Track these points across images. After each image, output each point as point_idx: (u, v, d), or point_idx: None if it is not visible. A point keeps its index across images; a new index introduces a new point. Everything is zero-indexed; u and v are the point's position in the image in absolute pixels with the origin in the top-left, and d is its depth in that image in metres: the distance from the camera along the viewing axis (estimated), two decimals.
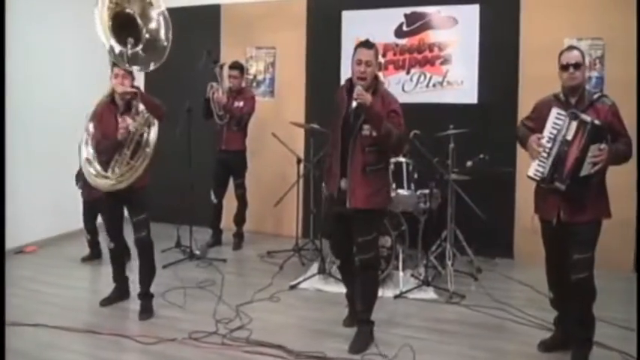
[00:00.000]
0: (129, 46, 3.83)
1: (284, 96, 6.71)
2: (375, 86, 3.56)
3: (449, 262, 4.79)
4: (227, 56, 6.56)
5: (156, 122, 4.07)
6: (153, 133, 4.03)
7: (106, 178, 4.00)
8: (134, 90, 3.93)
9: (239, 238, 6.25)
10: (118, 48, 3.78)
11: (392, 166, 4.70)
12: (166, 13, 4.04)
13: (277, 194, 5.82)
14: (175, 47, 6.86)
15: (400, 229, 4.93)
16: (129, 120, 3.94)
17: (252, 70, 6.84)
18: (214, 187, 6.14)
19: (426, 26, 6.00)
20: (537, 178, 3.29)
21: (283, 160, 6.11)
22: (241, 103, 5.96)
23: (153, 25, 3.96)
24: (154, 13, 3.97)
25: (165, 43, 3.98)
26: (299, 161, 5.63)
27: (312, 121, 5.78)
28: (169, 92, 6.19)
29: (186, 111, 5.60)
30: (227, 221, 6.35)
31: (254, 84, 6.83)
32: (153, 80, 7.38)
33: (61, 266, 5.48)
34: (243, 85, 6.23)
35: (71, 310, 4.27)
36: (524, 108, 4.65)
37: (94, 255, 5.62)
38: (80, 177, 5.08)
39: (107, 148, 4.01)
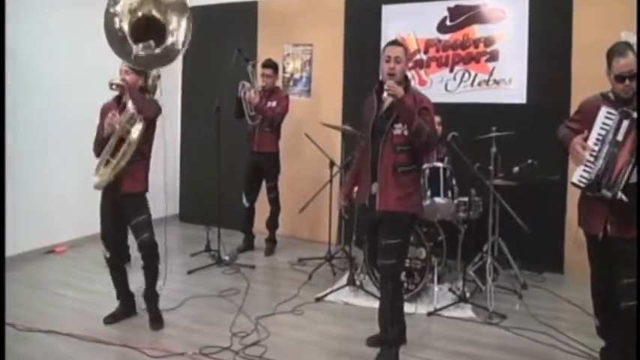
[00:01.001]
0: (140, 46, 3.72)
1: (321, 95, 6.43)
2: (405, 85, 3.37)
3: (489, 278, 4.37)
4: (264, 54, 6.38)
5: (141, 122, 3.80)
6: (135, 133, 3.76)
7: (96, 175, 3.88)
8: (121, 82, 3.72)
9: (271, 244, 6.00)
10: (131, 45, 3.70)
11: (427, 172, 4.36)
12: (190, 20, 3.88)
13: (316, 197, 5.49)
14: (211, 45, 6.83)
15: (437, 239, 4.56)
16: (117, 116, 3.76)
17: (289, 69, 6.57)
18: (246, 190, 5.93)
19: (471, 20, 5.57)
20: (582, 185, 2.89)
21: (320, 162, 5.80)
22: (274, 103, 5.72)
23: (176, 34, 3.83)
24: (182, 21, 3.84)
25: (180, 48, 3.82)
26: (332, 164, 5.33)
27: (350, 121, 5.46)
28: (204, 91, 6.02)
29: (215, 111, 5.37)
30: (262, 225, 6.11)
31: (290, 82, 6.56)
32: (189, 79, 7.32)
33: (88, 269, 5.35)
34: (277, 84, 5.97)
35: (87, 317, 4.10)
36: None
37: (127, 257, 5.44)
38: None
39: (99, 143, 3.89)
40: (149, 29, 3.74)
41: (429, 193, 4.31)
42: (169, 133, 7.22)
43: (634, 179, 2.71)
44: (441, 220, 4.59)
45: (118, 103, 3.88)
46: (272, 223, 5.98)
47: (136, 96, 3.78)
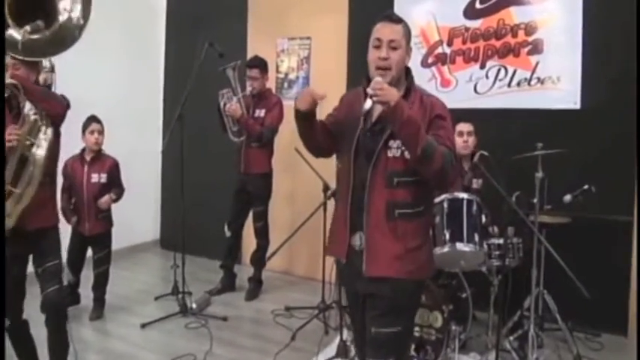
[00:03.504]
0: (28, 28, 2.64)
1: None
2: (407, 84, 2.23)
3: (531, 353, 3.14)
4: (254, 50, 5.29)
5: (49, 130, 2.79)
6: (41, 147, 2.77)
7: None
8: (12, 81, 2.68)
9: (255, 285, 4.84)
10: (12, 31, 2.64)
11: (445, 206, 3.15)
12: None
13: (314, 225, 4.26)
14: (194, 42, 5.74)
15: (460, 296, 3.36)
16: (15, 129, 2.70)
17: (283, 67, 5.43)
18: (229, 217, 4.85)
19: (508, 1, 4.34)
20: None
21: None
22: (262, 112, 4.61)
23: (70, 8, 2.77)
24: None
25: (79, 24, 2.73)
26: (326, 189, 4.15)
27: None
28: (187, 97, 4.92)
29: (177, 119, 4.26)
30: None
31: (285, 84, 5.42)
32: (170, 84, 6.28)
33: (28, 315, 4.28)
34: (268, 86, 4.84)
35: None
36: None
37: (71, 300, 4.37)
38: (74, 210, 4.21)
39: None
40: (34, 6, 2.71)
41: (447, 235, 3.10)
42: (150, 146, 6.20)
43: None
44: (467, 272, 3.39)
45: (9, 107, 2.83)
46: (257, 260, 4.83)
47: (35, 90, 2.78)
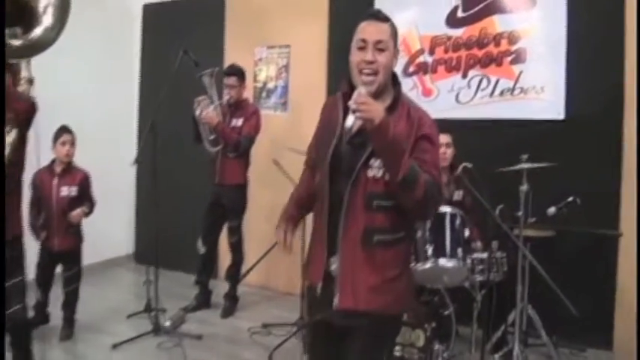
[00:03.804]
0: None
1: (300, 109, 5.13)
2: (392, 93, 2.01)
3: None
4: (232, 58, 5.16)
5: (13, 132, 2.65)
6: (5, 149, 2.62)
7: None
8: None
9: (231, 302, 4.67)
10: None
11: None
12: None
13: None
14: (170, 50, 5.60)
15: (442, 313, 3.24)
16: None
17: (262, 77, 5.30)
18: (203, 231, 4.68)
19: (491, 9, 4.25)
20: None
21: None
22: (240, 121, 4.47)
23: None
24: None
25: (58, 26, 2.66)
26: None
27: None
28: (162, 106, 4.75)
29: (149, 128, 4.11)
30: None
31: (263, 94, 5.28)
32: (146, 93, 6.12)
33: None
34: (245, 95, 4.71)
35: None
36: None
37: (40, 319, 4.18)
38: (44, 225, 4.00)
39: None
40: (13, 13, 2.59)
41: (430, 251, 2.99)
42: (124, 156, 6.02)
43: None
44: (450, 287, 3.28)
45: None
46: (232, 275, 4.67)
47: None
